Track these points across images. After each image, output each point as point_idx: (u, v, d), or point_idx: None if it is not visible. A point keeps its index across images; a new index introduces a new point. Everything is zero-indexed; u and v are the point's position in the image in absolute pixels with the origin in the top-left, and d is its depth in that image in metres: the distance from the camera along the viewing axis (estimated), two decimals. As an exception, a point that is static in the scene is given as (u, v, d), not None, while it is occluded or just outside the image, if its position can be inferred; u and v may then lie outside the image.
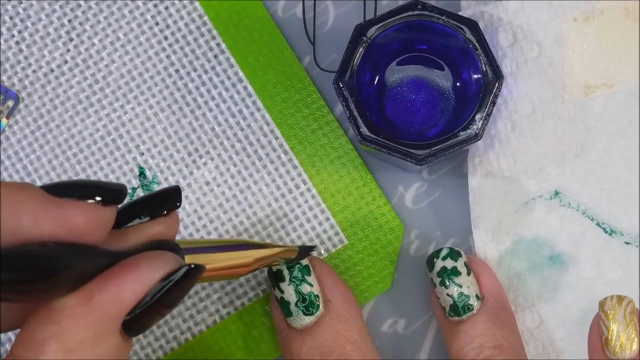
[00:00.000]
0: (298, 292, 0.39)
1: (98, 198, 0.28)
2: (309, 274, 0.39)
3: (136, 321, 0.28)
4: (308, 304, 0.39)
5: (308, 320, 0.39)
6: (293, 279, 0.39)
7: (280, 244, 0.42)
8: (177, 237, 0.43)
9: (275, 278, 0.39)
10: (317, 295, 0.39)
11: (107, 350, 0.28)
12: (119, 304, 0.28)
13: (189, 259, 0.31)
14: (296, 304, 0.39)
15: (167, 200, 0.31)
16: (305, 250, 0.39)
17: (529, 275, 0.41)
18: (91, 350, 0.27)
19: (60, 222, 0.27)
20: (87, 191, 0.28)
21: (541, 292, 0.41)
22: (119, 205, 0.29)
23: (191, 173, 0.43)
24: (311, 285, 0.39)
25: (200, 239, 0.36)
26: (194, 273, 0.30)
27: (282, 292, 0.39)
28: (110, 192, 0.29)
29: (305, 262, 0.39)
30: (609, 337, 0.35)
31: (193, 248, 0.32)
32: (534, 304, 0.41)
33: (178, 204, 0.31)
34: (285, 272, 0.39)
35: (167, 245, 0.31)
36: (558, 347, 0.41)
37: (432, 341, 0.43)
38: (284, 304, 0.39)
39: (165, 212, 0.31)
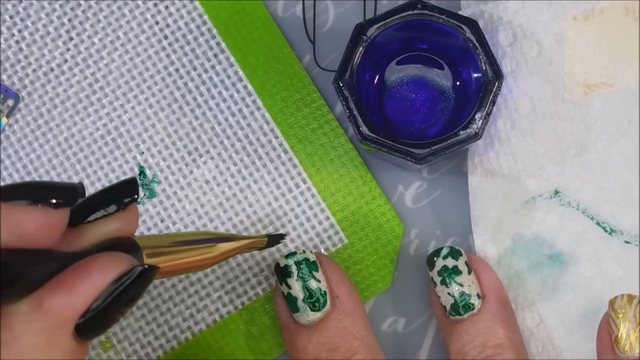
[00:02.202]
0: (305, 288, 0.39)
1: (51, 200, 0.28)
2: (317, 270, 0.39)
3: (89, 324, 0.28)
4: (315, 300, 0.39)
5: (315, 316, 0.39)
6: (300, 275, 0.39)
7: (247, 234, 0.42)
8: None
9: (282, 274, 0.39)
10: (325, 292, 0.39)
11: (60, 354, 0.28)
12: (70, 308, 0.27)
13: (148, 256, 0.30)
14: (303, 300, 0.38)
15: (123, 194, 0.31)
16: (275, 239, 0.39)
17: (529, 274, 0.41)
18: (44, 356, 0.27)
19: (10, 228, 0.26)
20: (38, 193, 0.28)
21: (541, 291, 0.41)
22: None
23: (191, 172, 0.43)
24: (319, 282, 0.39)
25: (163, 234, 0.36)
26: (148, 274, 0.29)
27: (289, 287, 0.39)
28: (63, 192, 0.28)
29: (312, 258, 0.39)
30: (619, 335, 0.35)
31: (154, 245, 0.32)
32: (533, 303, 0.41)
33: (135, 196, 0.31)
34: (293, 268, 0.39)
35: (125, 244, 0.30)
36: (558, 346, 0.41)
37: (432, 340, 0.43)
38: (290, 300, 0.39)
39: (122, 206, 0.30)
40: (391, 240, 0.43)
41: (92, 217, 0.30)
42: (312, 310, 0.38)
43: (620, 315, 0.35)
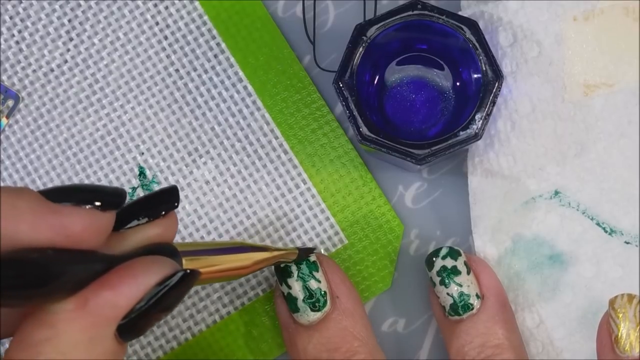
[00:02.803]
0: (305, 288, 0.39)
1: (97, 203, 0.28)
2: (317, 270, 0.39)
3: (131, 325, 0.29)
4: (315, 300, 0.39)
5: (315, 316, 0.39)
6: (301, 275, 0.39)
7: (281, 246, 0.42)
8: (177, 238, 0.43)
9: (283, 274, 0.39)
10: (325, 292, 0.39)
11: (101, 353, 0.28)
12: (114, 308, 0.28)
13: (187, 262, 0.31)
14: (304, 300, 0.39)
15: (164, 201, 0.31)
16: (305, 252, 0.39)
17: (529, 275, 0.41)
18: (85, 354, 0.28)
19: (58, 229, 0.27)
20: (86, 196, 0.28)
21: (541, 292, 0.41)
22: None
23: (191, 172, 0.43)
24: (319, 282, 0.39)
25: (200, 242, 0.36)
26: (189, 278, 0.30)
27: (289, 287, 0.39)
28: (109, 197, 0.29)
29: (312, 258, 0.39)
30: (619, 335, 0.35)
31: (192, 251, 0.32)
32: (533, 304, 0.41)
33: (176, 204, 0.31)
34: (293, 268, 0.39)
35: (165, 249, 0.31)
36: (558, 346, 0.41)
37: (432, 340, 0.43)
38: (291, 300, 0.39)
39: (163, 213, 0.31)
40: (391, 240, 0.43)
41: (133, 223, 0.31)
42: (312, 310, 0.38)
43: (620, 315, 0.35)
